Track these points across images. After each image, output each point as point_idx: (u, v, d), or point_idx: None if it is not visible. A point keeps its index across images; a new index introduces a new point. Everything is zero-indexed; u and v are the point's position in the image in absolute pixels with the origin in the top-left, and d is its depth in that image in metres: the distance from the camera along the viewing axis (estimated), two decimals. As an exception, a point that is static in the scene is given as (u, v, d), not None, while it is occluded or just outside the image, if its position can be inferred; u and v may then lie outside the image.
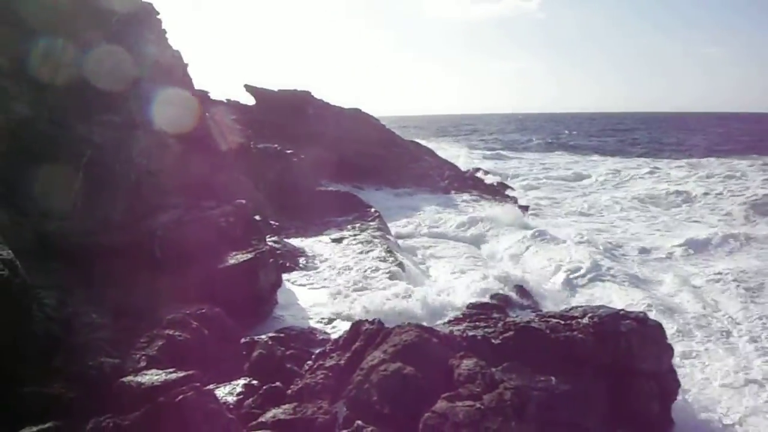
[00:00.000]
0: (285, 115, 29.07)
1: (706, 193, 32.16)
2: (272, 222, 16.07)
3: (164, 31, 15.12)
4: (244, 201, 13.02)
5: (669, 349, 8.81)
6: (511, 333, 8.32)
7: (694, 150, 61.28)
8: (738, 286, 15.63)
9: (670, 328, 11.22)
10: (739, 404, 9.54)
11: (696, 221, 26.53)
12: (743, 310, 13.94)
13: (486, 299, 11.82)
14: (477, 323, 9.17)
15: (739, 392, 9.95)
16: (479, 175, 36.86)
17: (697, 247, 20.52)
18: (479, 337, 8.40)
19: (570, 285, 15.97)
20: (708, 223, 25.92)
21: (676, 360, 9.35)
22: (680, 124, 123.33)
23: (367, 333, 7.96)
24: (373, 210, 19.94)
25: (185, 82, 15.96)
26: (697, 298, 14.83)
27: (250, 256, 11.09)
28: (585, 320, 8.62)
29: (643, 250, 20.59)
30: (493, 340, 8.30)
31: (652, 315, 10.48)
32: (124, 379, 6.73)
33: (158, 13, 14.86)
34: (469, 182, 32.78)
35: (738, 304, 14.44)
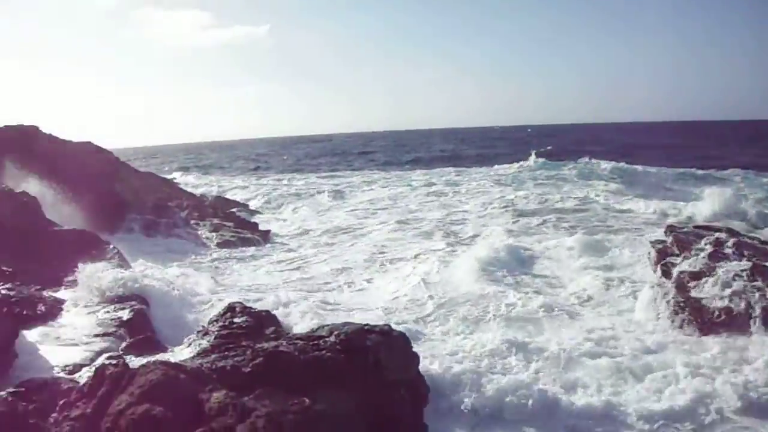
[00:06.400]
0: (11, 151, 27.23)
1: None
2: (5, 268, 15.16)
3: None
4: (-31, 248, 12.29)
5: (415, 357, 9.74)
6: (260, 360, 8.66)
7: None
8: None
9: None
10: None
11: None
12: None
13: (235, 326, 11.94)
14: (226, 353, 9.44)
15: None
16: (219, 203, 37.11)
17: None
18: (228, 368, 8.69)
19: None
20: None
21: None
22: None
23: (113, 376, 7.91)
24: (111, 246, 19.38)
25: None
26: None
27: (-21, 308, 10.50)
28: (332, 338, 9.20)
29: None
30: (243, 369, 8.61)
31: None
32: None
33: None
34: (209, 210, 32.96)
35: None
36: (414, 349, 10.04)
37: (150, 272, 16.56)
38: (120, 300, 14.46)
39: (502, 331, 13.46)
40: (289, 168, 78.41)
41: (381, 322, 10.63)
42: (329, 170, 69.79)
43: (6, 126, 29.50)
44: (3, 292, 12.78)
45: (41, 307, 13.84)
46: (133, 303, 14.28)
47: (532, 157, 56.40)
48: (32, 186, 23.41)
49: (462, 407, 10.09)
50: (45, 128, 31.03)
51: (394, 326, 10.35)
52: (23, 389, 9.24)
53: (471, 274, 18.64)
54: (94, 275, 15.00)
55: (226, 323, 11.81)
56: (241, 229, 29.28)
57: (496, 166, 57.43)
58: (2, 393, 8.86)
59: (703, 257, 15.01)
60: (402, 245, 25.57)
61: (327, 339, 9.24)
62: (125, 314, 13.65)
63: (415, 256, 22.30)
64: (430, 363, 10.93)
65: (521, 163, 55.72)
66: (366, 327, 9.69)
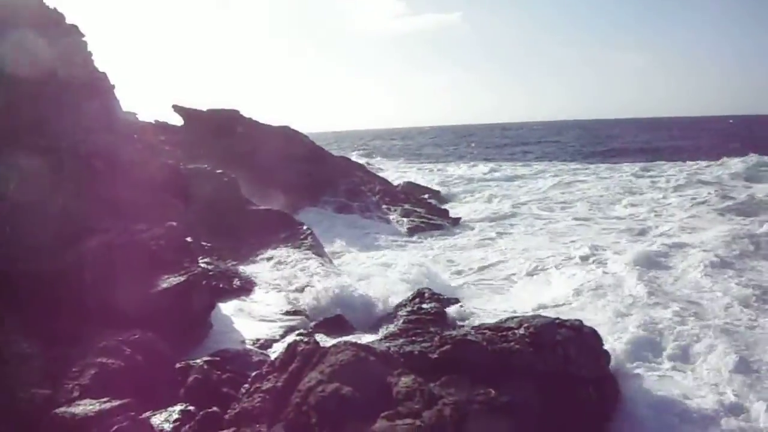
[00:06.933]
0: (214, 134, 28.85)
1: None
2: (204, 243, 15.83)
3: (90, 53, 14.86)
4: (174, 223, 12.82)
5: (605, 355, 9.07)
6: (447, 347, 8.46)
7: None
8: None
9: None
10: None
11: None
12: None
13: (422, 312, 11.74)
14: (414, 338, 9.32)
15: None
16: (410, 188, 37.22)
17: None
18: (416, 353, 8.56)
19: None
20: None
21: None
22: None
23: (304, 353, 7.90)
24: (305, 227, 19.82)
25: (111, 103, 15.68)
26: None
27: (182, 279, 10.88)
28: (521, 330, 8.82)
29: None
30: (430, 355, 8.44)
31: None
32: (57, 411, 6.62)
33: (83, 35, 14.63)
34: (401, 196, 33.10)
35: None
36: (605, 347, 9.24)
37: (342, 262, 16.73)
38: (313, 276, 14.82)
39: (709, 342, 11.34)
40: (478, 155, 77.35)
41: (572, 317, 9.84)
42: (519, 159, 68.24)
43: (210, 110, 31.31)
44: (202, 266, 13.28)
45: (236, 282, 14.35)
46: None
47: (752, 156, 48.84)
48: (232, 166, 24.48)
49: (654, 419, 8.57)
50: (245, 112, 32.65)
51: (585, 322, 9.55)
52: (218, 359, 9.51)
53: (669, 272, 17.19)
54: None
55: (414, 308, 11.70)
56: (432, 215, 29.32)
57: (700, 162, 51.63)
58: (198, 360, 9.13)
59: None
60: (594, 235, 24.23)
61: (516, 331, 8.86)
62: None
63: (605, 250, 20.94)
64: (623, 364, 9.94)
65: (731, 158, 48.85)
66: (557, 321, 9.20)
